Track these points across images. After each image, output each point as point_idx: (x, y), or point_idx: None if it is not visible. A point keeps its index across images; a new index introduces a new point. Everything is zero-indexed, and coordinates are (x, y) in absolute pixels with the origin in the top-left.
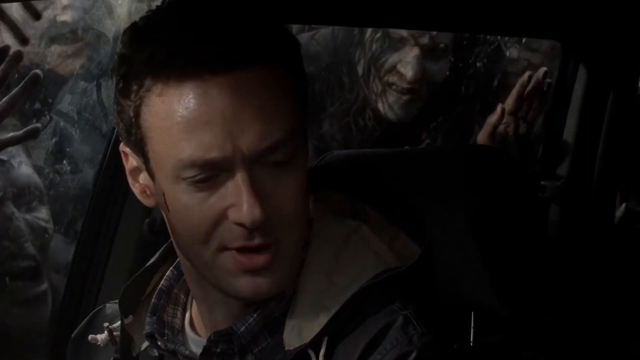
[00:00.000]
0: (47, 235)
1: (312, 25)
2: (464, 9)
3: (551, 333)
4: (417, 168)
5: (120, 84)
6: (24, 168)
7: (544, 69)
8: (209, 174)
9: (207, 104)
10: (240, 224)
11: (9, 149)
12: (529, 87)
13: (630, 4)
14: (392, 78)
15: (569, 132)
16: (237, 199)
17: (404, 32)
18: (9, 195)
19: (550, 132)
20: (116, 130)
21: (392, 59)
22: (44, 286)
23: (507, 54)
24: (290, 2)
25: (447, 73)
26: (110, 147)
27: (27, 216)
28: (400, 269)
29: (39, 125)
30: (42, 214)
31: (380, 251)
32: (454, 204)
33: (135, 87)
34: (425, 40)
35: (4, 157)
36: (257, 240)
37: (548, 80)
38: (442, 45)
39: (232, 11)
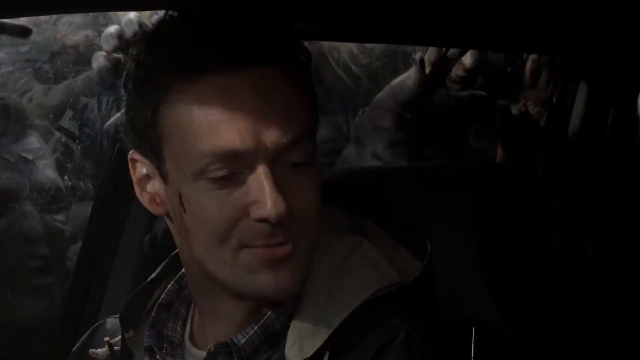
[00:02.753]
0: (63, 237)
1: None
2: (466, 25)
3: (552, 349)
4: (419, 185)
5: (137, 87)
6: (47, 171)
7: None
8: (230, 169)
9: (230, 98)
10: (264, 220)
11: (36, 150)
12: (547, 60)
13: (631, 20)
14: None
15: (569, 148)
16: (260, 195)
17: None
18: (28, 194)
19: (551, 147)
20: (117, 144)
21: None
22: (50, 279)
23: None
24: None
25: (502, 62)
26: (111, 162)
27: (46, 216)
28: (401, 284)
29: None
30: (61, 217)
31: (381, 266)
32: (455, 221)
33: (153, 88)
34: None
35: (29, 156)
36: (278, 238)
37: None
38: None
39: (245, 20)
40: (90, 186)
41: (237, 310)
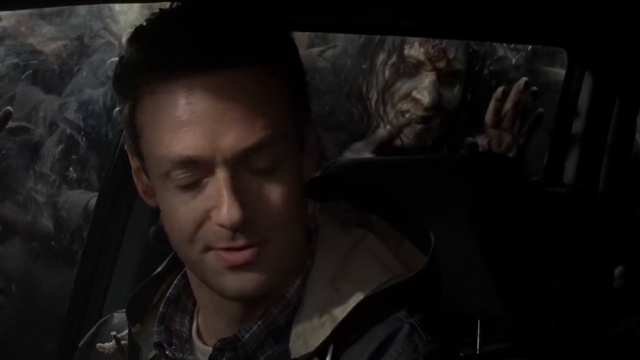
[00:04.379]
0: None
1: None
2: (469, 16)
3: (555, 341)
4: (423, 176)
5: (118, 85)
6: (47, 221)
7: (524, 79)
8: (192, 173)
9: (192, 103)
10: (221, 225)
11: (46, 195)
12: (512, 99)
13: (636, 11)
14: (406, 105)
15: (574, 139)
16: (218, 200)
17: (420, 56)
18: (21, 235)
19: (556, 139)
20: (122, 136)
21: (408, 85)
22: None
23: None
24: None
25: (459, 101)
26: (116, 154)
27: (27, 261)
28: (405, 277)
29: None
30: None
31: (386, 259)
32: (459, 213)
33: (131, 87)
34: (442, 64)
35: (40, 199)
36: (239, 242)
37: (534, 88)
38: (457, 69)
39: (226, 14)
40: (95, 178)
41: (230, 306)
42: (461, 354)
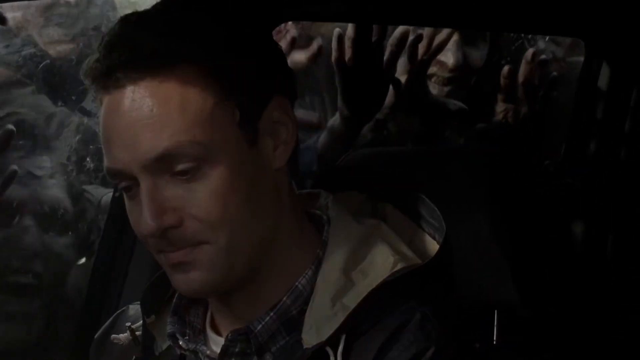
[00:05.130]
0: (60, 260)
1: None
2: (487, 5)
3: (571, 332)
4: (440, 167)
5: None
6: (56, 190)
7: (531, 50)
8: (125, 183)
9: (114, 115)
10: None
11: (47, 168)
12: (523, 72)
13: None
14: (432, 69)
15: (592, 130)
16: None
17: None
18: (31, 209)
19: (573, 129)
20: None
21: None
22: (35, 305)
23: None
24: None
25: (486, 58)
26: None
27: (46, 236)
28: (417, 265)
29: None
30: (63, 239)
31: (399, 249)
32: (476, 201)
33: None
34: None
35: (38, 173)
36: (171, 247)
37: (542, 56)
38: None
39: (166, 18)
40: None
41: (225, 299)
42: (477, 345)
